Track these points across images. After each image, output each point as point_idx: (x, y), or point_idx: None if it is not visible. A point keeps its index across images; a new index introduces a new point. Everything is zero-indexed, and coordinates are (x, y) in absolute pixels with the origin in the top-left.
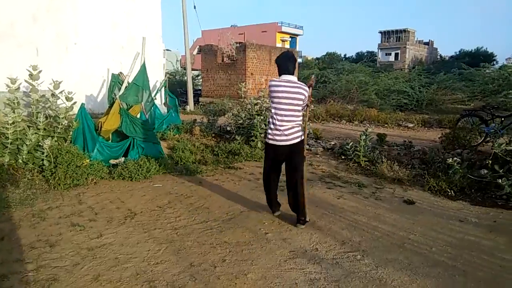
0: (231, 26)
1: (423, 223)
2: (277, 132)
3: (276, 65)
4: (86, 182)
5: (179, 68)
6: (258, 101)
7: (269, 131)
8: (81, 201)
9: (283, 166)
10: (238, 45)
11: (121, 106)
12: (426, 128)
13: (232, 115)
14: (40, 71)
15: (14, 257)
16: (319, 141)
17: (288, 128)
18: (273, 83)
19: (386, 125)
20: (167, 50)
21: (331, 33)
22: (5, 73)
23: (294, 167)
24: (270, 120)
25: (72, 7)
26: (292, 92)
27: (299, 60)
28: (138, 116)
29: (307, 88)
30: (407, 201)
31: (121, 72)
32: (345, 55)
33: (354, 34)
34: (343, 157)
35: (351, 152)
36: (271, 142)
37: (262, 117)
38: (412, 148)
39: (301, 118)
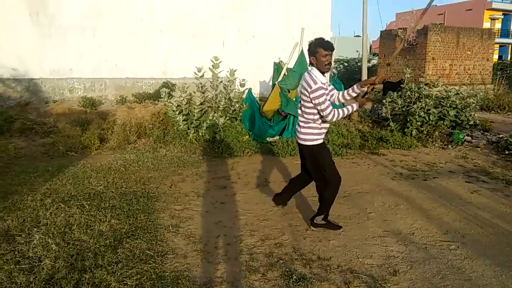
0: (431, 6)
1: None
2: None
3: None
4: (243, 154)
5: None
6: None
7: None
8: (233, 168)
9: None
10: (417, 27)
11: (279, 91)
12: None
13: (389, 101)
14: (220, 61)
15: (171, 200)
16: (486, 133)
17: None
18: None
19: None
20: (357, 36)
21: None
22: (198, 63)
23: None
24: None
25: (252, 4)
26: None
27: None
28: (294, 100)
29: (308, 81)
30: None
31: (281, 61)
32: None
33: None
34: (506, 152)
35: None
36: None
37: (422, 104)
38: None
39: (306, 116)
